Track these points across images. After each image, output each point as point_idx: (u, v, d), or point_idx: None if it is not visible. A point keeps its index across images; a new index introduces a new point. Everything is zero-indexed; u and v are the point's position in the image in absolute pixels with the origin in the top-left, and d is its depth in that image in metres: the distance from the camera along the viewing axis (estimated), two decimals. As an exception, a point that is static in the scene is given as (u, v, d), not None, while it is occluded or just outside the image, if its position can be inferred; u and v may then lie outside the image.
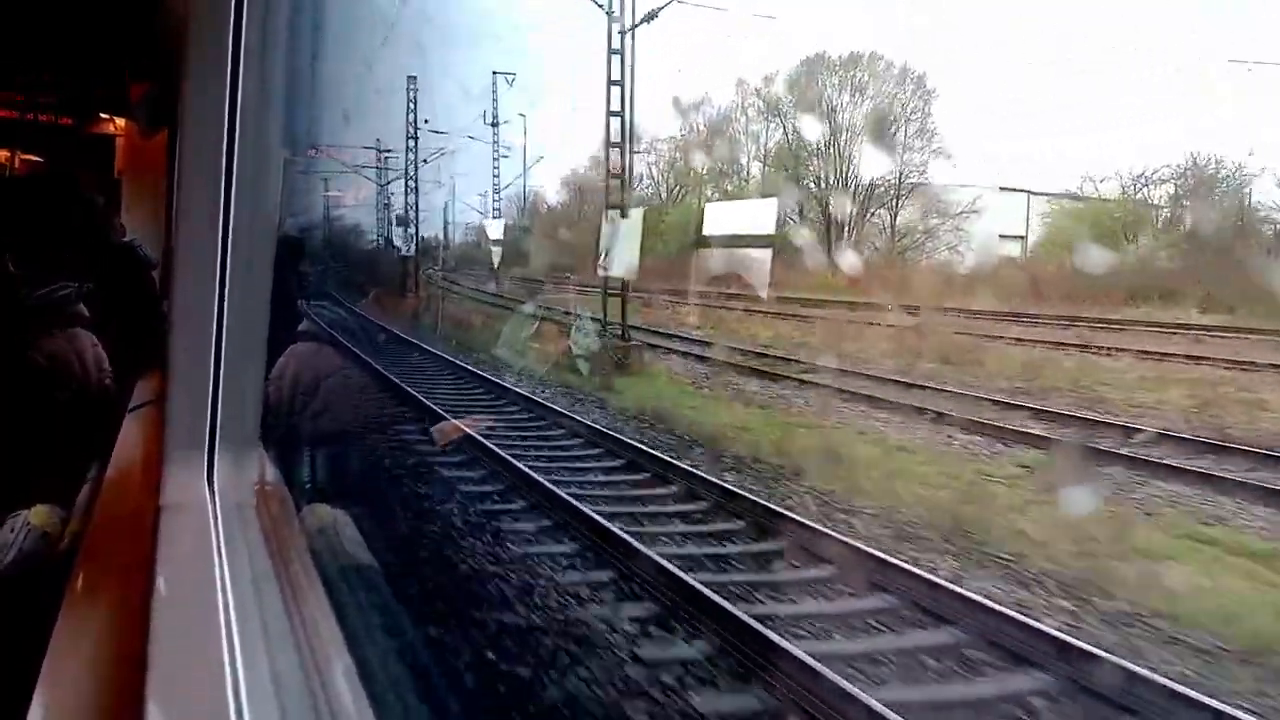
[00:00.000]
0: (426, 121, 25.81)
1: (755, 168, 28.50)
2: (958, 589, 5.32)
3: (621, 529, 6.25)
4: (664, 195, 29.32)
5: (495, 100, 28.14)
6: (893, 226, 25.78)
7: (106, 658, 1.13)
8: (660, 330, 17.57)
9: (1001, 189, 23.66)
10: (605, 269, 20.21)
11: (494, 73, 27.48)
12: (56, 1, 3.72)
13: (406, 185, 26.05)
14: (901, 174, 26.01)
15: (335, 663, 1.17)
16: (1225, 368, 11.93)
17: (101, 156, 6.40)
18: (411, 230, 25.99)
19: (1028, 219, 23.64)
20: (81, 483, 2.07)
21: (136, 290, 3.50)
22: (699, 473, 7.80)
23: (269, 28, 1.57)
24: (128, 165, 6.29)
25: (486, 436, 8.57)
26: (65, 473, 2.12)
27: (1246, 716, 3.94)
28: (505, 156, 28.93)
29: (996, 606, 5.05)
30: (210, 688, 0.99)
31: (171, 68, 2.01)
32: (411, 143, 25.81)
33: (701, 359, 14.80)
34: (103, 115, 6.43)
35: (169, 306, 1.66)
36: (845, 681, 4.16)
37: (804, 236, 24.78)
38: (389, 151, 27.01)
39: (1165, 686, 4.17)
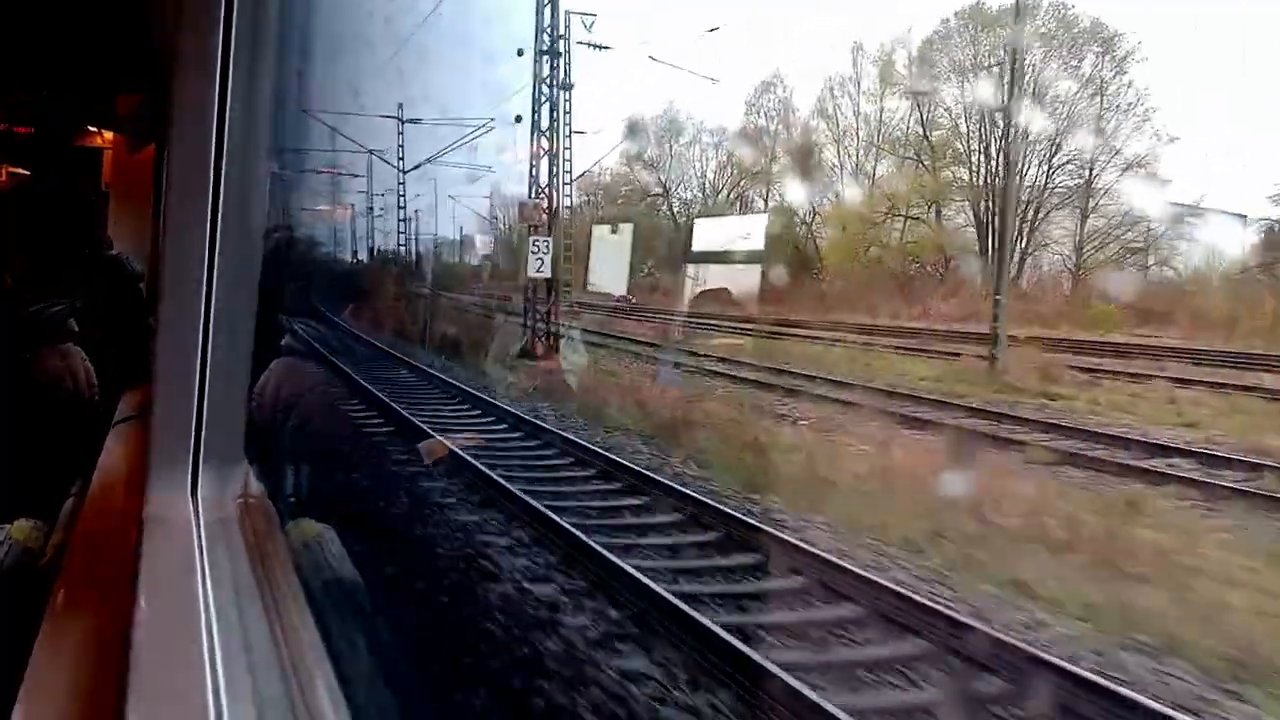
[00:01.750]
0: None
1: (870, 160, 22.56)
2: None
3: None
4: (724, 198, 24.54)
5: (566, 53, 16.79)
6: (1081, 232, 19.72)
7: (88, 672, 1.12)
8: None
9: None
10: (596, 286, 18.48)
11: (568, 13, 16.97)
12: (46, 15, 3.72)
13: (536, 134, 15.96)
14: (1093, 166, 19.65)
15: (318, 678, 1.16)
16: None
17: (89, 169, 6.38)
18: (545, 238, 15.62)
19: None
20: (65, 496, 2.05)
21: (124, 304, 3.50)
22: None
23: (258, 41, 1.57)
24: (115, 178, 6.28)
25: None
26: (48, 487, 2.10)
27: None
28: (582, 133, 19.78)
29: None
30: (192, 702, 0.98)
31: (160, 81, 2.02)
32: (548, 63, 15.99)
33: None
34: (91, 128, 6.42)
35: (155, 320, 1.66)
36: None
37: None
38: (414, 121, 19.98)
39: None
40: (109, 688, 1.00)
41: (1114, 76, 19.41)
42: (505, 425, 10.23)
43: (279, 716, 1.05)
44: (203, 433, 1.62)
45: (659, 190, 25.33)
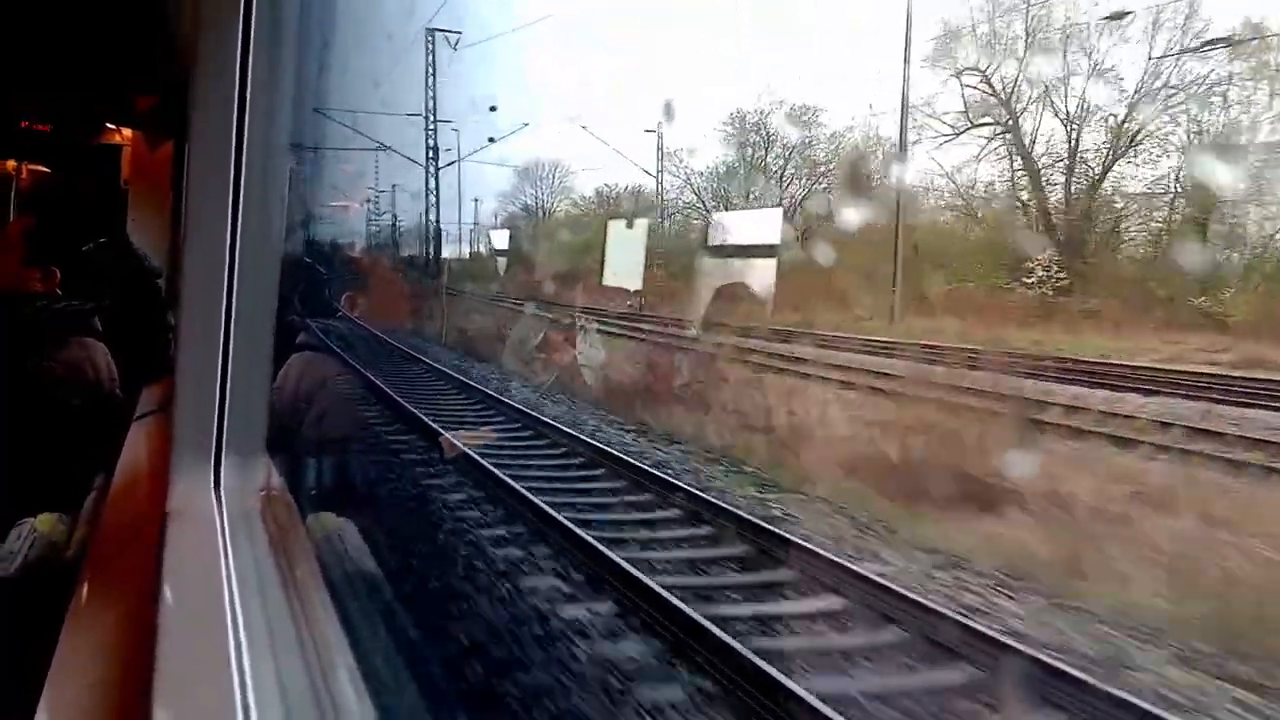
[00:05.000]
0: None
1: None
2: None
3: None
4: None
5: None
6: None
7: (113, 664, 1.13)
8: None
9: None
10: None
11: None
12: (66, 13, 3.75)
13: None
14: None
15: (341, 668, 1.17)
16: None
17: (108, 167, 6.41)
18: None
19: None
20: (88, 490, 2.07)
21: (145, 301, 3.53)
22: None
23: (277, 37, 1.58)
24: (134, 175, 6.32)
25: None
26: (72, 481, 2.12)
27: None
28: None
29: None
30: (217, 694, 0.99)
31: (181, 79, 2.03)
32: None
33: None
34: (109, 125, 6.45)
35: (177, 315, 1.67)
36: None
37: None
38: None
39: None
40: (135, 678, 1.01)
41: None
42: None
43: (303, 705, 1.05)
44: (225, 426, 1.63)
45: (999, 123, 14.11)
